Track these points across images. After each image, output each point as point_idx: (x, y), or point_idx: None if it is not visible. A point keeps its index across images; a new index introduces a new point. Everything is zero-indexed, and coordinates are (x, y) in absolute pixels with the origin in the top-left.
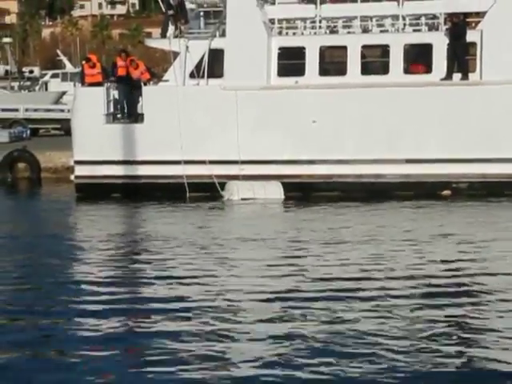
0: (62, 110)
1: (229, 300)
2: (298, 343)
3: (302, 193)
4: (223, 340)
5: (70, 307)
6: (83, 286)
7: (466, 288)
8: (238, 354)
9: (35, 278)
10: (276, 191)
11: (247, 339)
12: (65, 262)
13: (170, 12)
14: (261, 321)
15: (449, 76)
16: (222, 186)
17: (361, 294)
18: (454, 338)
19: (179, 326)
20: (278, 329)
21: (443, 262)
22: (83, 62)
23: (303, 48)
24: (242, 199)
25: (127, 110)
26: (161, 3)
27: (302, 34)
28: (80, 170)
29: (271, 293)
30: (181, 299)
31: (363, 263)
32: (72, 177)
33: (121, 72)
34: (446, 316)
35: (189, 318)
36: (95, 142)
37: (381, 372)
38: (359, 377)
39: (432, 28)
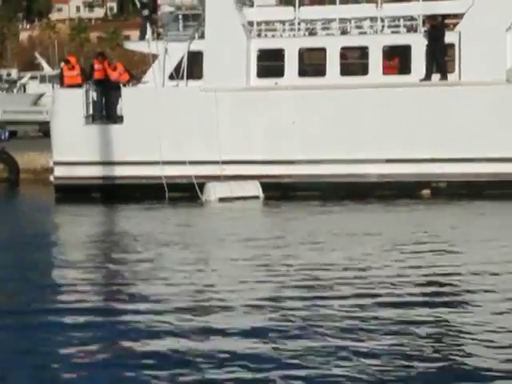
0: (41, 112)
1: (214, 304)
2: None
3: (282, 193)
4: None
5: (46, 310)
6: (60, 288)
7: (446, 290)
8: (224, 355)
9: (11, 281)
10: (254, 190)
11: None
12: (42, 262)
13: (145, 12)
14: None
15: (428, 77)
16: (203, 186)
17: (340, 296)
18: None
19: (160, 328)
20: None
21: (423, 261)
22: (62, 64)
23: (282, 50)
24: (220, 199)
25: (106, 112)
26: (137, 2)
27: (281, 36)
28: (59, 171)
29: (252, 298)
30: (160, 300)
31: (342, 264)
32: (51, 178)
33: (98, 75)
34: (426, 321)
35: (170, 320)
36: (75, 142)
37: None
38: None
39: (410, 30)
